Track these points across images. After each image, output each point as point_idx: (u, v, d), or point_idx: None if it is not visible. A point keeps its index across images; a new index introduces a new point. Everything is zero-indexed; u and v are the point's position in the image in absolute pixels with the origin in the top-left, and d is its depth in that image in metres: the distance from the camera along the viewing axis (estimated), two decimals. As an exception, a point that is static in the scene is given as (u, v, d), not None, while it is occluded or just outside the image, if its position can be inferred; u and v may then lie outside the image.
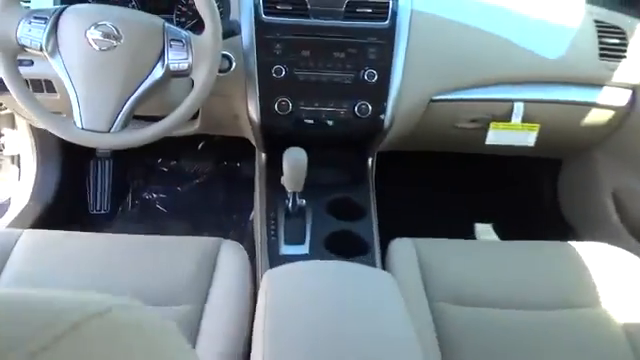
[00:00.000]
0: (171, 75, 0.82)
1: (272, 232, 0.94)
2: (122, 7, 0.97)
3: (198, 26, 1.16)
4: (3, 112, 1.45)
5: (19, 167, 1.59)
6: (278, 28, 1.10)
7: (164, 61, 0.81)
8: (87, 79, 0.80)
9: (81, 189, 1.60)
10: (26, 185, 1.42)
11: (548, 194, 1.49)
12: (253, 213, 1.64)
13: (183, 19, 1.24)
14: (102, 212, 1.66)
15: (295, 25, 1.10)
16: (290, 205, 0.95)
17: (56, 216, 1.45)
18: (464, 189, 1.54)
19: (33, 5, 0.80)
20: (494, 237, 1.53)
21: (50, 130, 0.81)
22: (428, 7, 1.03)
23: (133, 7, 1.17)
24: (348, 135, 1.18)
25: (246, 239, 1.55)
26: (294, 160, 1.00)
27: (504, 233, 1.60)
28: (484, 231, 1.53)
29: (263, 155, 1.24)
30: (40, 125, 0.85)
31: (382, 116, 0.99)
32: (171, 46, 0.81)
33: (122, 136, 0.81)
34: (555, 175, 1.45)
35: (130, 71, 0.80)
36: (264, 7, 1.11)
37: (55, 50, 0.80)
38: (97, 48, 0.78)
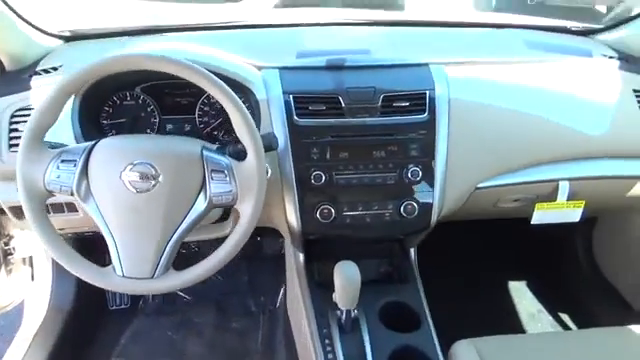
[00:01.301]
0: (214, 207, 0.80)
1: (329, 352, 0.92)
2: (154, 136, 0.94)
3: (224, 127, 1.18)
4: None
5: (32, 267, 1.51)
6: (313, 131, 1.08)
7: (206, 193, 0.80)
8: (125, 224, 0.78)
9: (98, 287, 1.52)
10: (43, 293, 1.36)
11: (582, 252, 1.47)
12: (281, 296, 1.58)
13: (206, 119, 1.22)
14: (122, 307, 1.58)
15: (331, 126, 1.08)
16: (344, 321, 0.94)
17: (77, 319, 1.38)
18: (496, 246, 1.52)
19: (50, 137, 0.80)
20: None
21: (89, 281, 0.80)
22: (465, 93, 1.03)
23: (152, 111, 1.19)
24: (393, 235, 1.14)
25: (279, 325, 1.48)
26: (347, 277, 0.97)
27: (539, 290, 1.57)
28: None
29: (300, 256, 1.18)
30: (78, 275, 0.80)
31: (429, 213, 0.98)
32: (212, 178, 0.80)
33: (168, 281, 0.80)
34: (589, 232, 1.43)
35: (171, 210, 0.79)
36: (296, 109, 1.08)
37: (88, 195, 0.79)
38: (134, 190, 0.77)
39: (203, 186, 0.80)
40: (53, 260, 1.44)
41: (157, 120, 1.18)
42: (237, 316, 1.45)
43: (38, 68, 1.04)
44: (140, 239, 0.78)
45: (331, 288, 1.04)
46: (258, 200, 0.80)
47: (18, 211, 1.13)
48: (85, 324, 1.45)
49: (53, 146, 0.80)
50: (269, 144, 0.84)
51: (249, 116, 0.78)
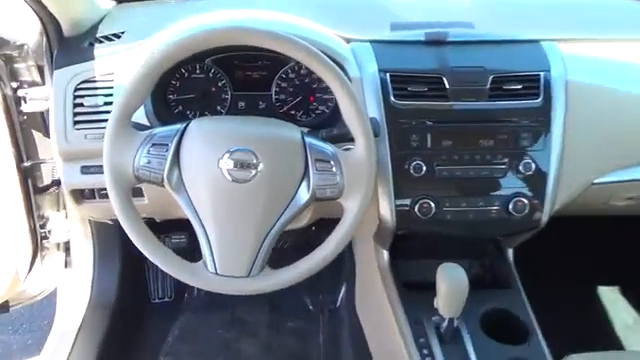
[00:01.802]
0: (316, 200, 0.80)
1: None
2: (251, 118, 0.91)
3: (303, 107, 1.14)
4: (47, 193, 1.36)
5: (66, 253, 1.50)
6: (413, 114, 1.03)
7: (309, 185, 0.80)
8: (220, 217, 0.78)
9: (140, 276, 1.52)
10: (82, 285, 1.35)
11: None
12: (342, 294, 1.56)
13: (283, 96, 1.18)
14: (166, 300, 1.57)
15: (433, 110, 1.03)
16: (445, 330, 0.92)
17: (120, 314, 1.38)
18: (586, 249, 1.50)
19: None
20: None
21: (177, 277, 0.80)
22: (584, 76, 0.98)
23: (223, 87, 1.16)
24: (497, 235, 1.10)
25: (343, 326, 1.47)
26: (455, 282, 0.93)
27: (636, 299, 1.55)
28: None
29: (384, 253, 1.16)
30: (165, 270, 0.78)
31: (539, 212, 0.95)
32: (316, 168, 0.80)
33: (265, 280, 0.80)
34: None
35: (270, 203, 0.79)
36: (394, 89, 1.04)
37: (180, 184, 0.79)
38: (230, 179, 0.77)
39: (305, 176, 0.79)
40: (95, 248, 1.44)
41: (229, 97, 1.14)
42: (293, 315, 1.42)
43: (98, 34, 1.03)
44: (236, 234, 0.78)
45: (423, 291, 1.01)
46: (366, 195, 0.79)
47: (78, 195, 1.11)
48: (129, 319, 1.43)
49: (139, 127, 0.80)
50: (372, 131, 0.81)
51: (360, 101, 0.77)
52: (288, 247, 1.53)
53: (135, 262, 1.54)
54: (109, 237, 1.46)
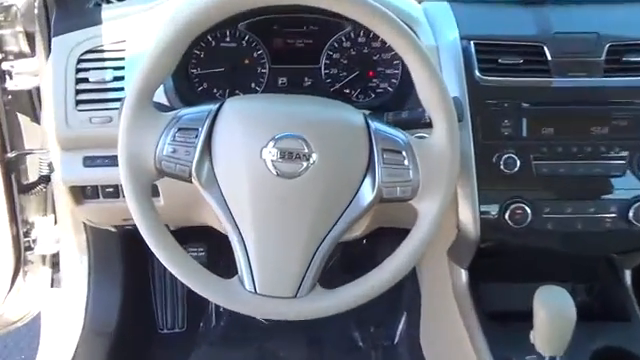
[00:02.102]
0: (381, 202, 0.82)
1: None
2: (299, 98, 0.94)
3: (361, 84, 1.18)
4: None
5: (53, 269, 1.54)
6: (504, 94, 1.04)
7: (374, 181, 0.81)
8: (261, 221, 0.80)
9: (145, 299, 1.56)
10: (74, 307, 1.38)
11: None
12: (402, 329, 1.57)
13: (335, 71, 1.21)
14: (176, 330, 1.61)
15: (530, 88, 1.04)
16: None
17: (120, 345, 1.41)
18: None
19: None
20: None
21: (207, 297, 0.82)
22: None
23: (260, 58, 1.20)
24: (610, 251, 1.12)
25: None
26: (558, 309, 0.94)
27: None
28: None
29: (462, 273, 1.17)
30: (194, 288, 0.81)
31: None
32: (384, 161, 0.81)
33: (317, 301, 0.81)
34: None
35: (324, 203, 0.81)
36: (479, 62, 1.06)
37: (211, 179, 0.82)
38: (275, 173, 0.79)
39: (369, 171, 0.81)
40: (91, 262, 1.48)
41: (266, 71, 1.13)
42: (337, 352, 1.43)
43: None
44: (281, 242, 0.80)
45: (514, 322, 1.02)
46: (447, 195, 0.81)
47: (79, 193, 1.15)
48: (131, 353, 1.47)
49: (161, 108, 0.84)
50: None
51: (441, 77, 0.79)
52: (332, 265, 1.54)
53: (140, 281, 1.58)
54: (109, 249, 1.50)
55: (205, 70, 1.17)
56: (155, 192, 1.10)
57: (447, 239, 1.09)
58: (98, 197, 1.12)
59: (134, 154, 0.79)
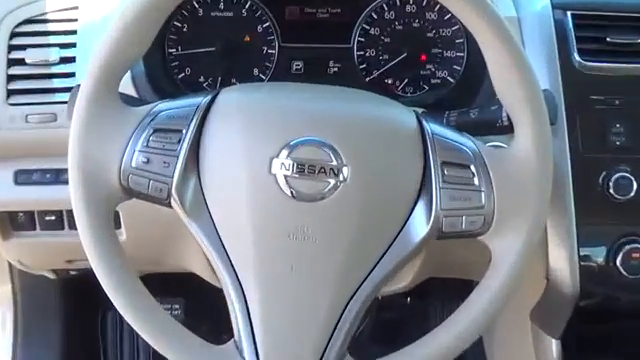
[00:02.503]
0: (440, 237, 0.82)
1: None
2: (328, 89, 0.95)
3: (410, 73, 1.19)
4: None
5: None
6: (615, 86, 1.05)
7: (429, 207, 0.80)
8: (270, 265, 0.79)
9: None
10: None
11: None
12: None
13: (372, 52, 1.22)
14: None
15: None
16: None
17: None
18: None
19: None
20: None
21: None
22: None
23: (266, 33, 1.22)
24: None
25: None
26: None
27: None
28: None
29: (553, 344, 1.16)
30: (170, 356, 0.82)
31: None
32: (444, 179, 0.81)
33: None
34: None
35: (359, 238, 0.80)
36: (578, 41, 1.06)
37: (200, 202, 0.82)
38: (290, 194, 0.78)
39: (423, 193, 0.81)
40: (17, 321, 1.49)
41: (275, 51, 1.17)
42: None
43: None
44: (297, 295, 0.79)
45: None
46: (533, 229, 0.81)
47: (5, 222, 1.15)
48: None
49: (130, 101, 0.85)
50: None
51: (529, 62, 0.79)
52: (363, 330, 1.55)
53: (86, 349, 1.58)
54: (45, 303, 1.51)
55: (189, 50, 1.18)
56: (115, 222, 1.10)
57: (531, 295, 1.09)
58: (34, 228, 1.12)
59: (91, 166, 0.79)
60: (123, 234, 1.08)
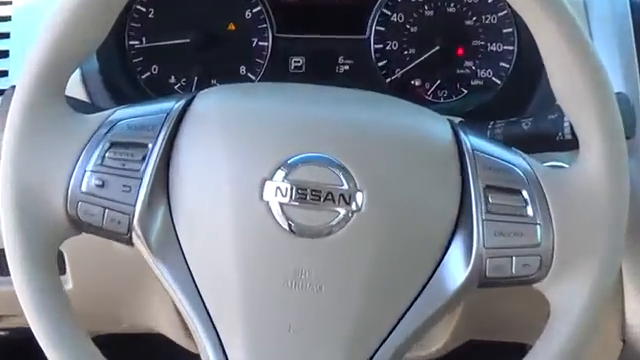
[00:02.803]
0: (481, 285, 0.83)
1: None
2: (339, 92, 0.96)
3: (440, 70, 1.20)
4: None
5: None
6: None
7: (469, 246, 0.80)
8: (259, 319, 0.80)
9: None
10: None
11: None
12: None
13: (395, 45, 1.23)
14: None
15: None
16: None
17: None
18: None
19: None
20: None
21: None
22: None
23: (256, 21, 1.21)
24: None
25: None
26: None
27: None
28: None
29: None
30: None
31: None
32: (489, 207, 0.80)
33: None
34: None
35: (377, 286, 0.80)
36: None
37: (169, 238, 0.82)
38: (287, 228, 0.78)
39: (460, 226, 0.81)
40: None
41: (268, 43, 1.19)
42: None
43: None
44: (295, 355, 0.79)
45: None
46: (604, 274, 0.80)
47: None
48: None
49: (81, 108, 0.86)
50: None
51: (599, 58, 0.79)
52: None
53: None
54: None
55: (156, 42, 1.20)
56: (58, 265, 1.11)
57: (605, 356, 1.03)
58: None
59: (28, 190, 0.79)
60: (69, 282, 1.08)
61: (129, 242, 0.82)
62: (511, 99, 1.09)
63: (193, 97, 0.86)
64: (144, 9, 1.16)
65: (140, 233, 0.81)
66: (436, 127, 0.86)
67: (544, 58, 0.79)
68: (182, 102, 0.85)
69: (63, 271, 1.07)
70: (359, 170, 0.79)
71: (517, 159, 0.84)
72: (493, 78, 1.16)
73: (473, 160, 0.82)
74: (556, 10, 0.77)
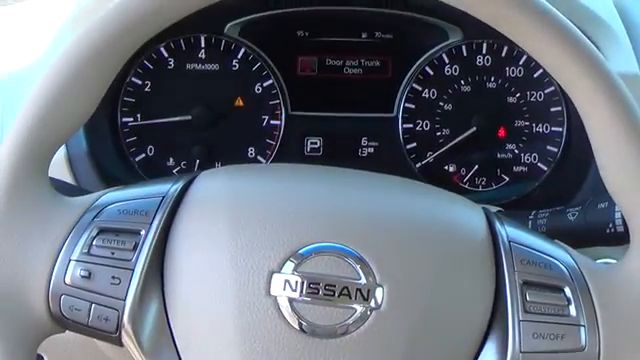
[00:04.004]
0: None
1: None
2: (359, 175, 0.96)
3: (477, 154, 1.21)
4: None
5: None
6: None
7: (504, 351, 0.80)
8: None
9: None
10: None
11: None
12: None
13: (426, 124, 1.24)
14: None
15: None
16: None
17: None
18: None
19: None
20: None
21: None
22: None
23: (267, 94, 1.22)
24: None
25: None
26: None
27: None
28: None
29: None
30: None
31: None
32: (527, 307, 0.81)
33: None
34: None
35: None
36: None
37: (164, 338, 0.83)
38: (297, 327, 0.79)
39: (494, 328, 0.82)
40: None
41: (281, 122, 1.20)
42: None
43: None
44: None
45: None
46: None
47: None
48: None
49: (66, 190, 0.87)
50: None
51: None
52: None
53: None
54: None
55: (153, 119, 1.21)
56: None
57: None
58: None
59: (6, 282, 0.81)
60: None
61: (118, 342, 0.81)
62: (559, 187, 1.10)
63: (193, 179, 0.86)
64: (139, 82, 1.17)
65: (130, 331, 0.81)
66: (468, 216, 0.86)
67: (594, 147, 0.80)
68: (180, 184, 0.86)
69: None
70: (378, 263, 0.79)
71: (560, 253, 0.84)
72: (539, 164, 1.17)
73: (509, 253, 0.83)
74: (611, 91, 0.77)
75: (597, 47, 0.97)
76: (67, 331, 0.82)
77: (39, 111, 0.80)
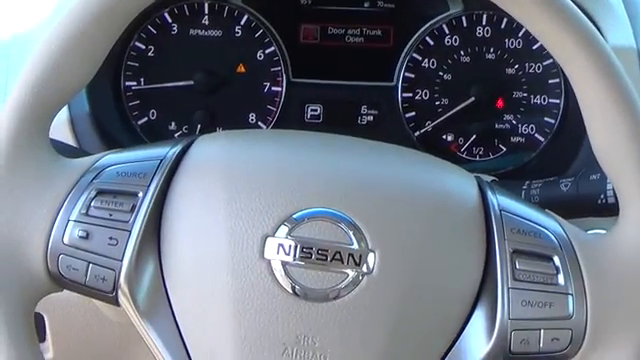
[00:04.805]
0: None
1: None
2: (355, 142, 0.96)
3: (475, 124, 1.22)
4: None
5: None
6: None
7: (492, 317, 0.80)
8: None
9: None
10: None
11: None
12: None
13: (425, 94, 1.25)
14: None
15: None
16: None
17: None
18: None
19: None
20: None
21: None
22: None
23: (269, 63, 1.23)
24: None
25: None
26: None
27: None
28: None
29: None
30: None
31: None
32: (516, 275, 0.81)
33: None
34: None
35: (390, 356, 0.79)
36: None
37: (160, 298, 0.82)
38: (290, 290, 0.78)
39: (483, 294, 0.82)
40: None
41: (282, 89, 1.20)
42: None
43: None
44: None
45: None
46: None
47: None
48: None
49: (65, 151, 0.87)
50: None
51: None
52: None
53: None
54: None
55: (155, 84, 1.22)
56: (37, 330, 1.13)
57: None
58: None
59: (5, 242, 0.80)
60: (49, 350, 1.08)
61: (115, 301, 0.81)
62: (554, 158, 1.09)
63: (191, 142, 0.86)
64: (143, 46, 1.17)
65: (127, 291, 0.81)
66: (461, 185, 0.86)
67: (584, 113, 0.80)
68: (178, 148, 0.85)
69: (43, 337, 1.07)
70: (371, 228, 0.79)
71: (550, 222, 0.84)
72: (536, 135, 1.17)
73: (500, 221, 0.82)
74: (601, 60, 0.77)
75: (594, 20, 1.01)
76: (66, 291, 0.82)
77: (41, 71, 0.79)
